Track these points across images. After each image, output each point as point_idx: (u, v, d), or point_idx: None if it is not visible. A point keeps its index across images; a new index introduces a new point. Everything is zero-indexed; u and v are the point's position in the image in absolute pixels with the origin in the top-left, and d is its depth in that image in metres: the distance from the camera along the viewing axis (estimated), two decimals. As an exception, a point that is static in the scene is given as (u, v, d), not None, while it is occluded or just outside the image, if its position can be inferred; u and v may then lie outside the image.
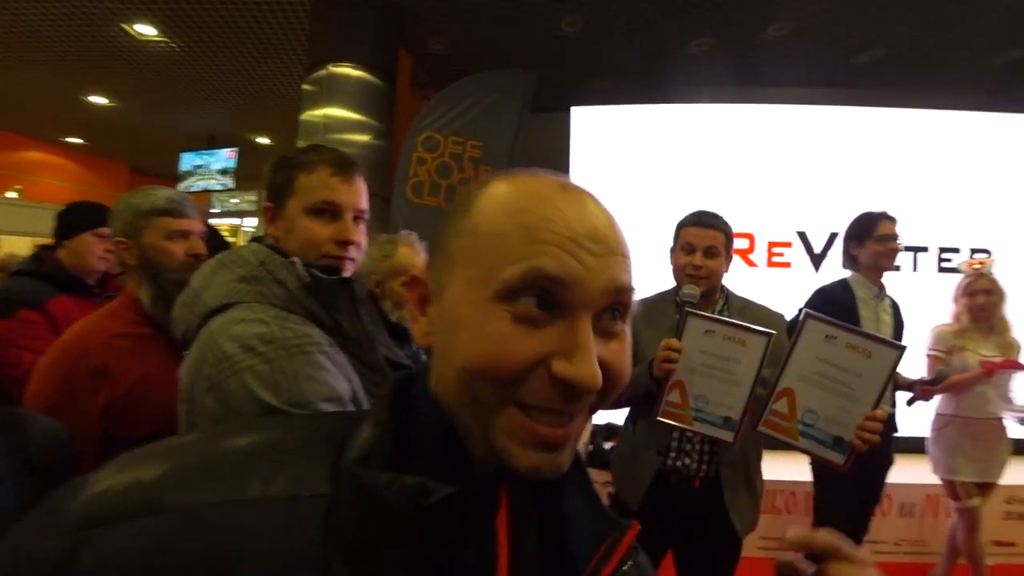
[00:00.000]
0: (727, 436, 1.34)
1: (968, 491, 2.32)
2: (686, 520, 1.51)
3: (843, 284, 2.22)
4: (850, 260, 2.27)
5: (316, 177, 0.88)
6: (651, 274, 3.37)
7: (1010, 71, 4.45)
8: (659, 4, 3.57)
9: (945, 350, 2.31)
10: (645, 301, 1.64)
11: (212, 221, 5.96)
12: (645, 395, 1.44)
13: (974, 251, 3.38)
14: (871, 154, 3.42)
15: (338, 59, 3.42)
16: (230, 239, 3.98)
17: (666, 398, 1.37)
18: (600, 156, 3.44)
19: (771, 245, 3.32)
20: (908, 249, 3.41)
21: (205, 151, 6.80)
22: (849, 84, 3.83)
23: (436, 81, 4.05)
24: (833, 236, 3.36)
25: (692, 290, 1.46)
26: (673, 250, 1.60)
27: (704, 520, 1.49)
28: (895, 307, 2.23)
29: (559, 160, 3.48)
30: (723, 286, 1.60)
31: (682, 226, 1.58)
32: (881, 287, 2.19)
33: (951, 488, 2.37)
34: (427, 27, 3.82)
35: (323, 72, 3.45)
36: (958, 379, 2.25)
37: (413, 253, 1.53)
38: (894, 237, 2.14)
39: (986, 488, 2.34)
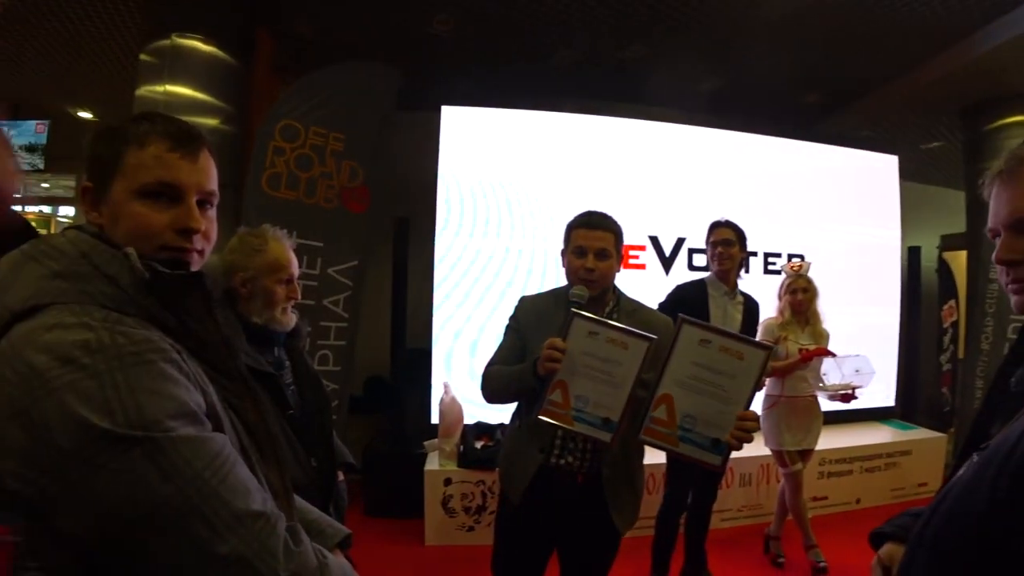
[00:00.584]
0: (605, 437, 1.36)
1: (792, 458, 2.69)
2: (569, 516, 1.54)
3: (699, 283, 2.44)
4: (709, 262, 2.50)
5: (150, 152, 0.71)
6: (512, 272, 3.33)
7: (814, 110, 5.32)
8: (529, 14, 3.68)
9: (773, 340, 2.65)
10: (536, 299, 1.64)
11: (16, 209, 4.95)
12: (529, 392, 1.45)
13: (791, 256, 3.95)
14: (713, 169, 3.85)
15: (184, 28, 3.03)
16: (41, 231, 3.32)
17: (548, 397, 1.37)
18: (469, 157, 3.44)
19: (627, 248, 3.56)
20: (700, 252, 3.88)
21: (5, 121, 5.63)
22: (695, 108, 4.26)
23: (300, 68, 3.77)
24: (680, 241, 3.71)
25: (581, 291, 1.47)
26: (564, 252, 1.59)
27: (586, 517, 1.53)
28: (748, 306, 2.45)
29: (427, 159, 3.42)
30: (615, 288, 1.61)
31: (572, 228, 1.57)
32: (732, 287, 2.41)
33: (780, 457, 2.73)
34: (292, 6, 3.55)
35: (166, 42, 3.03)
36: (782, 365, 2.60)
37: (284, 248, 1.45)
38: (720, 243, 2.35)
39: (806, 454, 2.75)
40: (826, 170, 4.20)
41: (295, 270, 1.47)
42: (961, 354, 4.34)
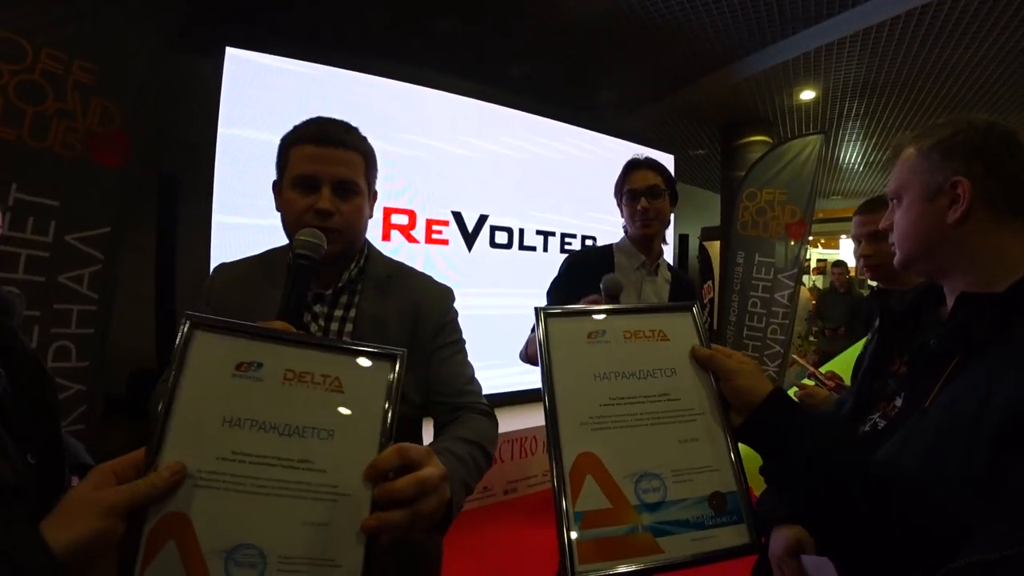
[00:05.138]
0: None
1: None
2: None
3: (606, 249, 1.71)
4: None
5: None
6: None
7: (610, 107, 5.89)
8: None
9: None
10: (237, 268, 1.07)
11: None
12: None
13: (584, 237, 4.29)
14: (517, 150, 3.95)
15: None
16: None
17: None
18: (256, 109, 2.96)
19: (430, 223, 3.51)
20: (539, 233, 4.06)
21: None
22: (508, 88, 4.35)
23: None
24: (483, 218, 3.75)
25: (312, 238, 0.85)
26: (278, 186, 1.00)
27: None
28: (679, 286, 1.72)
29: (206, 107, 2.88)
30: (367, 243, 1.07)
31: (290, 144, 0.97)
32: (654, 255, 1.68)
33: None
34: None
35: None
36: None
37: None
38: (644, 192, 1.60)
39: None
40: (616, 162, 4.63)
41: None
42: (715, 326, 5.18)
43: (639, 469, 0.66)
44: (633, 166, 1.69)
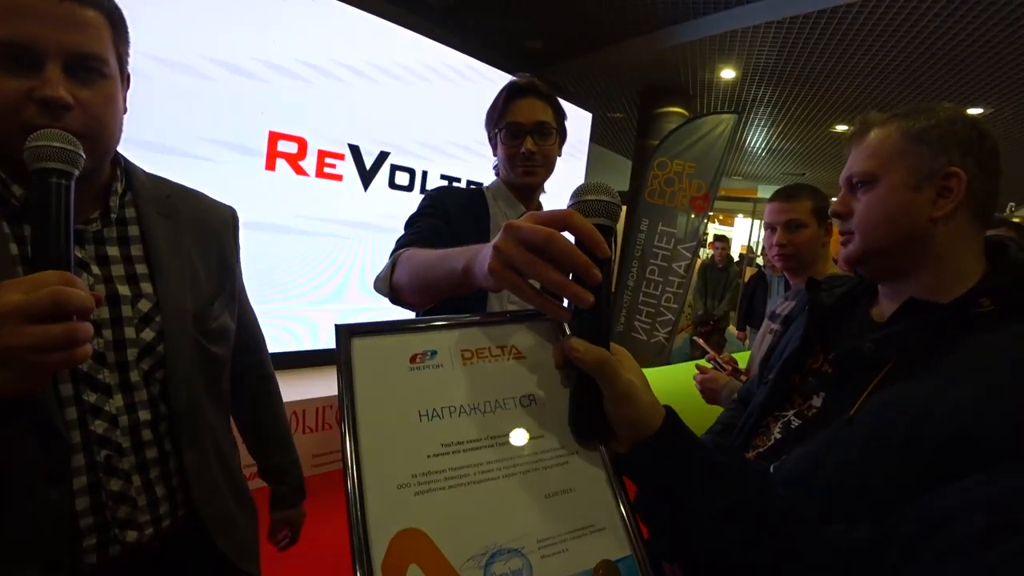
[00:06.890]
0: None
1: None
2: None
3: (475, 191, 1.31)
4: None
5: None
6: (172, 162, 2.45)
7: (533, 54, 5.65)
8: None
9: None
10: None
11: None
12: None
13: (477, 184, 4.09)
14: (427, 86, 3.62)
15: None
16: None
17: None
18: (133, 15, 2.42)
19: (322, 154, 3.13)
20: (443, 178, 3.76)
21: None
22: (425, 16, 3.97)
23: None
24: (384, 155, 3.43)
25: (51, 140, 0.53)
26: None
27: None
28: None
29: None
30: (119, 155, 0.77)
31: None
32: (535, 207, 1.32)
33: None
34: None
35: None
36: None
37: None
38: (531, 128, 1.21)
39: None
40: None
41: None
42: (613, 289, 5.30)
43: (490, 545, 0.44)
44: (516, 92, 1.22)
